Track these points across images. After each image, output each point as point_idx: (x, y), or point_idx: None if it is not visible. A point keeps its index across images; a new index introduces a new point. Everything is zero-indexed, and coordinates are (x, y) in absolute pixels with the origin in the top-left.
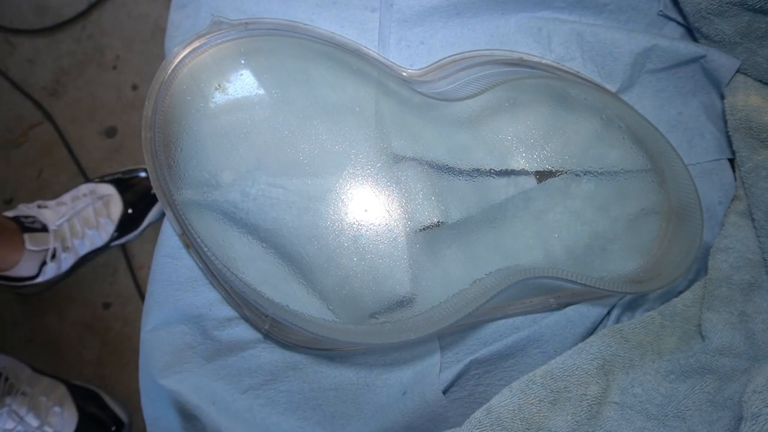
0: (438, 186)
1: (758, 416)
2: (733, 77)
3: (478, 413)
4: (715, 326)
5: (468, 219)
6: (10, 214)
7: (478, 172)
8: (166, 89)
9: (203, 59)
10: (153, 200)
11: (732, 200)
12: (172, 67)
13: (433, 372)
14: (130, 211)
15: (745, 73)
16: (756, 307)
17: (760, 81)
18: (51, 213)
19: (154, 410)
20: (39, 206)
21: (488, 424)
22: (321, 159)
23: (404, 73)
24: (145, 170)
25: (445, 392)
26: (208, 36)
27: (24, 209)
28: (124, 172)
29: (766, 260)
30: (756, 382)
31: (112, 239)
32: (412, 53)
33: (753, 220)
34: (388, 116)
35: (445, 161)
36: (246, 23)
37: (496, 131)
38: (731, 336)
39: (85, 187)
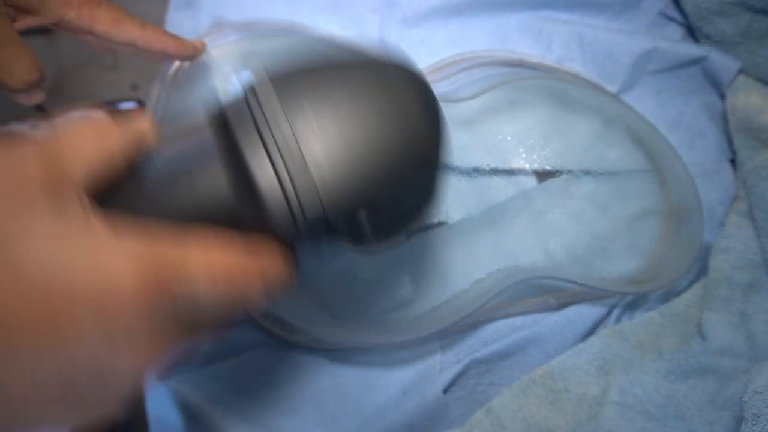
0: None
1: (759, 417)
2: (734, 78)
3: (478, 413)
4: (716, 326)
5: (468, 219)
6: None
7: (478, 173)
8: (168, 91)
9: (204, 61)
10: None
11: (733, 200)
12: (173, 68)
13: (433, 372)
14: None
15: (745, 74)
16: (756, 307)
17: (761, 81)
18: None
19: (157, 411)
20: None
21: (488, 424)
22: None
23: None
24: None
25: (445, 392)
26: (209, 37)
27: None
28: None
29: (766, 260)
30: (757, 383)
31: None
32: (412, 53)
33: (754, 220)
34: None
35: (445, 161)
36: (247, 25)
37: (496, 132)
38: (732, 336)
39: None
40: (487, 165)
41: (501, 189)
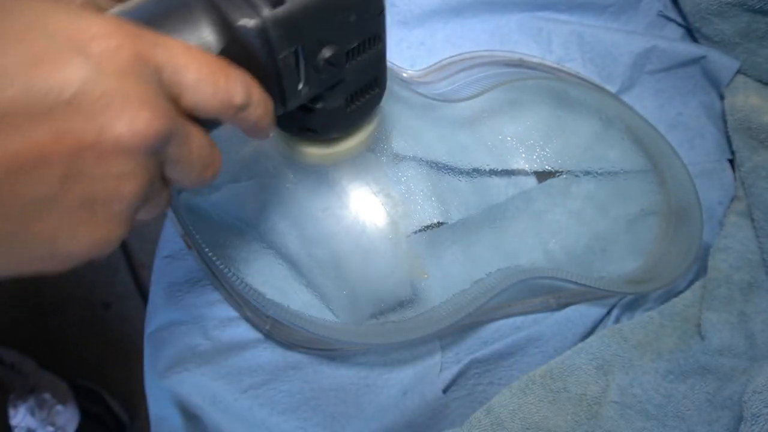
0: (438, 186)
1: (758, 416)
2: (732, 78)
3: (478, 413)
4: (715, 326)
5: (468, 219)
6: None
7: (478, 173)
8: None
9: None
10: None
11: (732, 200)
12: None
13: (433, 372)
14: None
15: (744, 74)
16: (755, 307)
17: (760, 81)
18: None
19: (158, 410)
20: None
21: (488, 424)
22: (320, 159)
23: (404, 74)
24: None
25: (445, 392)
26: None
27: None
28: None
29: (765, 260)
30: (756, 383)
31: None
32: (412, 54)
33: (753, 220)
34: (388, 117)
35: (445, 161)
36: None
37: (496, 132)
38: (731, 336)
39: None
40: (487, 165)
41: (501, 189)
